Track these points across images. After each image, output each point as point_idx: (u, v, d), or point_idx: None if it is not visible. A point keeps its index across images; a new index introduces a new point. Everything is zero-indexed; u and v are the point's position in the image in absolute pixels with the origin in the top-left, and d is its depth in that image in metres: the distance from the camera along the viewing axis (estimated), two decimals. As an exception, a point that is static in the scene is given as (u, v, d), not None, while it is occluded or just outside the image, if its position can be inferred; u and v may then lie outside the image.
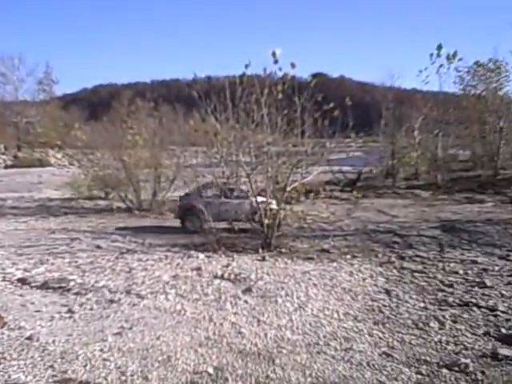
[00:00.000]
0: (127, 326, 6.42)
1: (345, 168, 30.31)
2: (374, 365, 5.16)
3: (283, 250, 11.89)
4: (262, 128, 12.75)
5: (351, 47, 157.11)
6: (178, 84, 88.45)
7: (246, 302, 7.58)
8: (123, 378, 4.84)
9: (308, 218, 16.11)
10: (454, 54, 28.19)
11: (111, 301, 7.58)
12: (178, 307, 7.26)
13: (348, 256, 11.05)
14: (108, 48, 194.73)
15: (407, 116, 31.60)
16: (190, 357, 5.39)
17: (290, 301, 7.63)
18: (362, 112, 35.41)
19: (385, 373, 4.95)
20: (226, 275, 9.19)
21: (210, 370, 5.01)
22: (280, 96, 12.12)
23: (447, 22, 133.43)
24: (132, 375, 4.90)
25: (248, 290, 8.18)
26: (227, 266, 10.06)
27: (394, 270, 9.60)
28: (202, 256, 11.11)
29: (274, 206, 12.59)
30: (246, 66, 11.94)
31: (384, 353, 5.47)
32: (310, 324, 6.56)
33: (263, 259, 10.85)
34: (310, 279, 8.95)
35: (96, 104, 66.39)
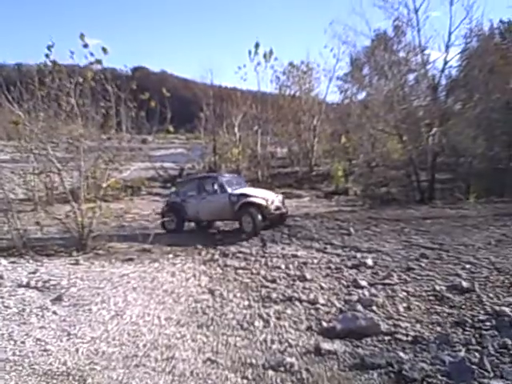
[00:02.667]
0: None
1: (167, 164, 30.04)
2: (197, 374, 4.91)
3: (100, 252, 11.21)
4: (74, 120, 11.80)
5: (173, 42, 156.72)
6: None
7: (54, 313, 6.80)
8: None
9: (128, 216, 15.47)
10: (271, 52, 28.94)
11: None
12: (-37, 326, 6.16)
13: (170, 255, 10.76)
14: None
15: (228, 113, 32.53)
16: (-26, 389, 4.52)
17: (107, 308, 7.06)
18: (184, 108, 35.58)
19: (210, 382, 4.74)
20: (32, 283, 8.23)
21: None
22: (92, 84, 11.47)
23: (266, 20, 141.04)
24: None
25: (58, 299, 7.40)
26: (34, 272, 9.07)
27: (218, 268, 9.57)
28: (4, 262, 9.85)
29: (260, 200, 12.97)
30: (49, 48, 10.98)
31: (208, 359, 5.26)
32: (129, 333, 6.09)
33: (77, 263, 9.97)
34: (128, 282, 8.47)
35: None
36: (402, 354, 5.13)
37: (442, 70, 21.56)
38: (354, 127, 27.99)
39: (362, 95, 30.31)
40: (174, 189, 15.34)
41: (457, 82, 23.64)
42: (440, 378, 4.51)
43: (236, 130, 31.88)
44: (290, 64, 34.95)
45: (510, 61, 23.93)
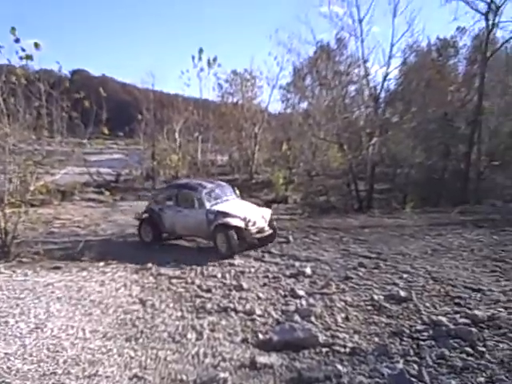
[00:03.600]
0: None
1: (104, 170, 29.14)
2: (122, 392, 4.57)
3: (24, 259, 10.55)
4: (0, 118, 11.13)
5: (114, 46, 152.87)
6: None
7: (-37, 327, 6.22)
8: None
9: (58, 221, 14.78)
10: (214, 59, 28.78)
11: None
12: None
13: (101, 263, 10.24)
14: None
15: (169, 118, 32.02)
16: None
17: (25, 321, 6.58)
18: (124, 112, 34.78)
19: (135, 401, 4.40)
20: None
21: None
22: (23, 82, 10.90)
23: (211, 26, 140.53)
24: None
25: (-31, 312, 6.78)
26: None
27: (151, 277, 9.19)
28: None
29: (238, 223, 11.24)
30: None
31: (135, 375, 4.94)
32: (48, 348, 5.66)
33: (-3, 271, 9.31)
34: (53, 292, 7.97)
35: None
36: (340, 366, 5.00)
37: (383, 82, 22.13)
38: (296, 135, 28.23)
39: (304, 105, 30.68)
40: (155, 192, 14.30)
41: (395, 94, 24.38)
42: (379, 392, 4.40)
43: (176, 135, 31.36)
44: (233, 72, 34.93)
45: (446, 76, 24.95)
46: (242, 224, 11.11)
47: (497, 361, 5.07)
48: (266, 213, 12.15)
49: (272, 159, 33.73)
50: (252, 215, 11.52)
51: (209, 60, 29.74)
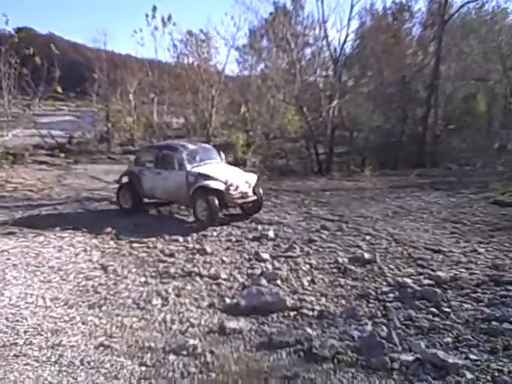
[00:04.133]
0: None
1: (55, 132, 28.04)
2: (89, 362, 4.43)
3: (-27, 226, 10.01)
4: None
5: (60, 3, 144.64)
6: None
7: None
8: None
9: (9, 185, 14.20)
10: (169, 18, 27.77)
11: None
12: None
13: (57, 228, 9.87)
14: None
15: (122, 79, 30.97)
16: None
17: (-21, 290, 6.25)
18: (74, 72, 33.34)
19: (103, 371, 4.28)
20: None
21: None
22: None
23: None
24: None
25: None
26: None
27: (112, 242, 8.93)
28: None
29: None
30: None
31: (101, 344, 4.79)
32: (7, 318, 5.42)
33: None
34: (8, 259, 7.64)
35: None
36: (309, 330, 4.99)
37: (343, 43, 22.01)
38: (254, 98, 27.88)
39: (261, 67, 30.23)
40: (137, 153, 12.98)
41: (351, 58, 24.35)
42: (351, 354, 4.42)
43: (131, 97, 30.47)
44: (189, 32, 33.88)
45: (401, 40, 25.04)
46: (221, 187, 10.15)
47: (462, 321, 5.18)
48: (251, 178, 11.08)
49: (229, 122, 33.36)
50: (235, 179, 10.57)
51: (163, 18, 28.74)
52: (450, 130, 23.61)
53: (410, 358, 4.28)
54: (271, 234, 9.33)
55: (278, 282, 6.68)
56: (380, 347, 4.46)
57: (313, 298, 6.04)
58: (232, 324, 5.24)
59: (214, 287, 6.57)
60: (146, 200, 11.95)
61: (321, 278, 6.84)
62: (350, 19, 21.70)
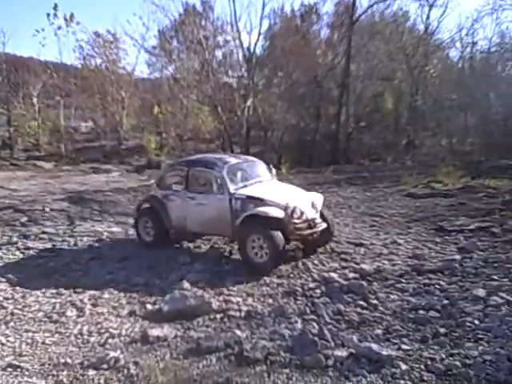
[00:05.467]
0: None
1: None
2: (-6, 386, 3.95)
3: None
4: None
5: None
6: None
7: None
8: None
9: None
10: (71, 17, 26.88)
11: None
12: None
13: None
14: None
15: (24, 82, 29.28)
16: None
17: None
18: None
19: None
20: None
21: None
22: None
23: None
24: None
25: None
26: None
27: (17, 252, 8.25)
28: None
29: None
30: None
31: (10, 365, 4.31)
32: None
33: None
34: None
35: None
36: (238, 332, 4.79)
37: (256, 43, 22.14)
38: (166, 99, 27.40)
39: (171, 68, 29.75)
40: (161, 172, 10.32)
41: (262, 59, 24.64)
42: (283, 354, 4.26)
43: (34, 100, 28.89)
44: (95, 33, 32.66)
45: (310, 41, 25.68)
46: (282, 215, 7.27)
47: (390, 312, 5.21)
48: (317, 198, 8.18)
49: (141, 124, 32.60)
50: (298, 201, 7.63)
51: (65, 17, 27.48)
52: (361, 128, 24.43)
53: (343, 353, 4.20)
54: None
55: (201, 284, 6.43)
56: (313, 345, 4.34)
57: (239, 299, 5.85)
58: (156, 331, 4.92)
59: (134, 294, 6.22)
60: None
61: (245, 277, 6.67)
62: (262, 18, 21.89)
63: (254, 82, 21.96)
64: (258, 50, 24.41)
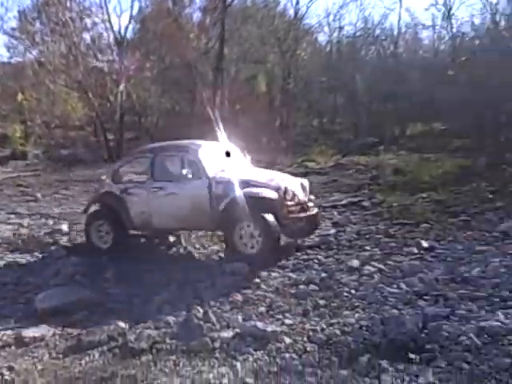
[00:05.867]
0: None
1: None
2: None
3: None
4: None
5: None
6: None
7: None
8: None
9: None
10: None
11: None
12: None
13: None
14: None
15: None
16: None
17: None
18: None
19: None
20: None
21: None
22: None
23: None
24: None
25: None
26: None
27: None
28: None
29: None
30: None
31: None
32: None
33: None
34: None
35: None
36: (121, 323, 4.56)
37: (127, 26, 21.52)
38: (31, 85, 25.62)
39: (35, 52, 27.83)
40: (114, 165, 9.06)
41: (134, 42, 24.06)
42: (169, 341, 4.16)
43: None
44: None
45: (182, 25, 25.48)
46: (275, 196, 6.58)
47: (272, 289, 5.36)
48: (305, 182, 7.50)
49: (3, 112, 30.26)
50: (288, 183, 7.00)
51: None
52: (237, 110, 24.69)
53: (229, 334, 4.21)
54: (65, 227, 8.70)
55: (77, 277, 6.15)
56: (198, 329, 4.31)
57: (119, 291, 5.67)
58: (31, 332, 4.54)
59: (4, 294, 5.75)
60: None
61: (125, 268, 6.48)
62: (133, 0, 21.18)
63: (126, 66, 21.23)
64: (129, 34, 23.69)
